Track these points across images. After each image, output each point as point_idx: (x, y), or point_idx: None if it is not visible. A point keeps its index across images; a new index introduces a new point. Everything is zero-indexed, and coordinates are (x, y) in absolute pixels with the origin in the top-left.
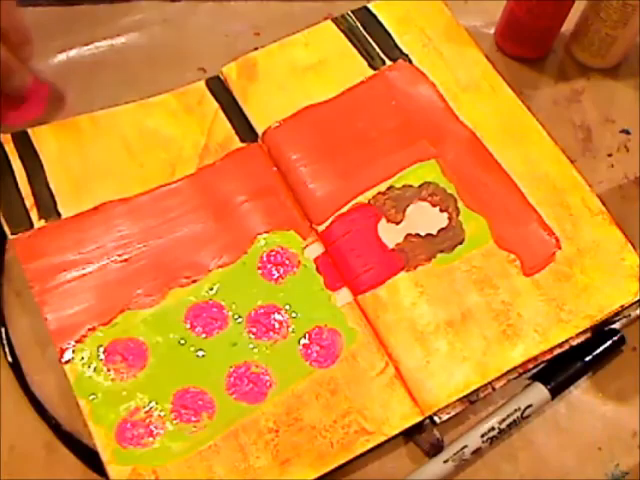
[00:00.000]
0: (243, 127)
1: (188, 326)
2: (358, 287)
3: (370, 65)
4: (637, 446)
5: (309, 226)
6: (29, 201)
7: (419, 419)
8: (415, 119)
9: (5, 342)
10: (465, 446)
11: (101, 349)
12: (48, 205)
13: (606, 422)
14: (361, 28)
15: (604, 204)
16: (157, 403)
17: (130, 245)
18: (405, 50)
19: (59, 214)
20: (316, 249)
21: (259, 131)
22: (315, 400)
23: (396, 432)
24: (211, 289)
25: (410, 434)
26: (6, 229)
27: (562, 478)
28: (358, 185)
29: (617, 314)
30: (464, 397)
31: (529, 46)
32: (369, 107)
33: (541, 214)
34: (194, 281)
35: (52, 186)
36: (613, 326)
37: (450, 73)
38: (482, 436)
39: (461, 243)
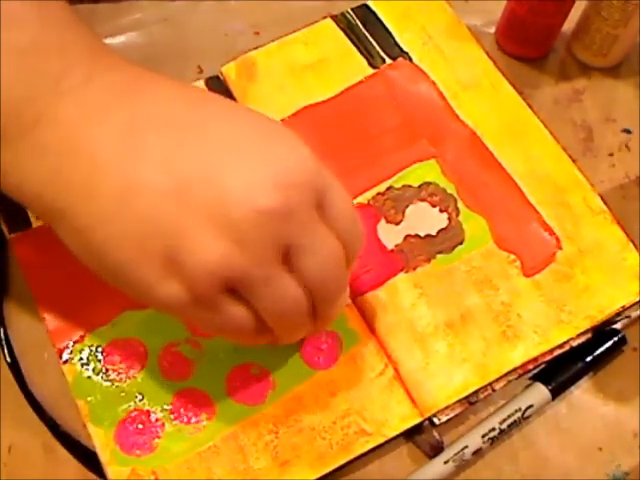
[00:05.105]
0: None
1: (188, 327)
2: (357, 288)
3: (370, 64)
4: (638, 446)
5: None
6: None
7: (418, 420)
8: (415, 118)
9: (4, 342)
10: (466, 446)
11: (100, 349)
12: None
13: (607, 422)
14: (361, 26)
15: (605, 203)
16: (156, 404)
17: None
18: (405, 48)
19: None
20: None
21: None
22: (314, 401)
23: (395, 434)
24: None
25: (410, 435)
26: (4, 228)
27: (563, 478)
28: (357, 185)
29: (618, 314)
30: (464, 398)
31: (530, 45)
32: (369, 106)
33: (542, 214)
34: None
35: None
36: (614, 326)
37: (450, 71)
38: (483, 436)
39: (461, 244)
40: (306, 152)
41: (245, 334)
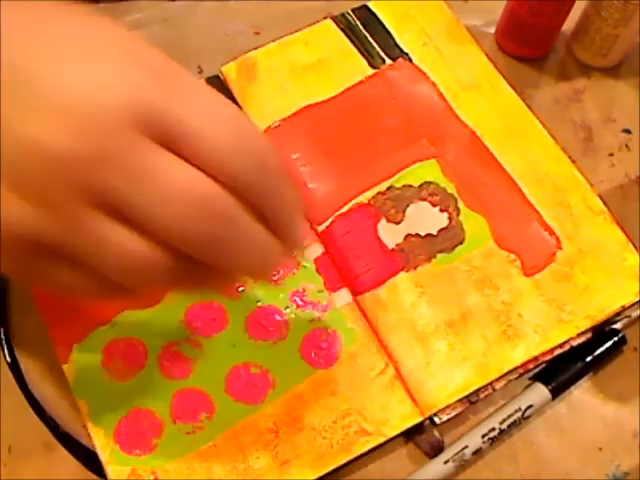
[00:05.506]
0: None
1: (187, 326)
2: (358, 287)
3: (370, 64)
4: (638, 447)
5: (309, 226)
6: None
7: (419, 420)
8: (415, 118)
9: (4, 342)
10: (466, 446)
11: (100, 349)
12: None
13: (607, 422)
14: (361, 27)
15: (605, 204)
16: (156, 404)
17: None
18: (405, 49)
19: None
20: (316, 249)
21: None
22: (315, 401)
23: (396, 433)
24: None
25: (410, 435)
26: None
27: (563, 478)
28: (358, 185)
29: (618, 314)
30: (464, 398)
31: (530, 45)
32: (369, 106)
33: (542, 214)
34: None
35: None
36: (614, 326)
37: (450, 72)
38: (483, 436)
39: (461, 243)
40: (135, 75)
41: (91, 293)
